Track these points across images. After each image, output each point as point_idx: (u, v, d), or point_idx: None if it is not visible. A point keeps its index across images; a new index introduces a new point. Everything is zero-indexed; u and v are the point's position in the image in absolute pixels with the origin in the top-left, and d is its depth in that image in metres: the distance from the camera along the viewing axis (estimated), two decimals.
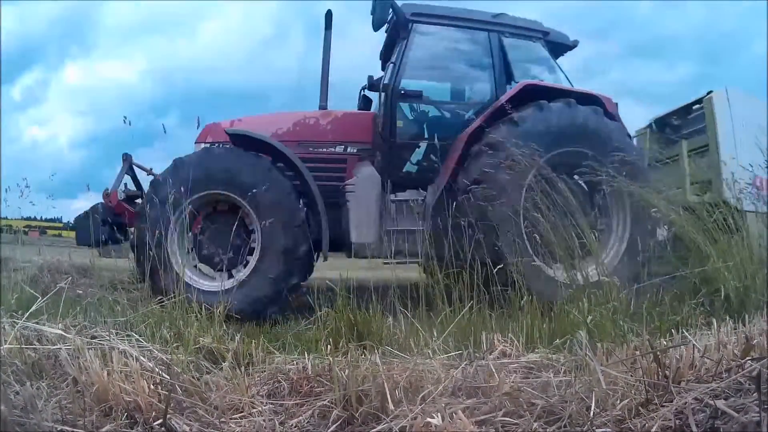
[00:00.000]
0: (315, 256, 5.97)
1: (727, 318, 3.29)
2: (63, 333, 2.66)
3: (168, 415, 2.10)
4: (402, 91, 6.38)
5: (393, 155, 6.28)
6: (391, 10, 6.52)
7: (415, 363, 2.48)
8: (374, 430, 1.99)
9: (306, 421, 2.31)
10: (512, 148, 5.19)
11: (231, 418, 2.29)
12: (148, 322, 3.47)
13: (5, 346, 2.45)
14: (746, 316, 3.39)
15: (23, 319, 2.76)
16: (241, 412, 2.36)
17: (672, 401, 1.93)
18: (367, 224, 5.87)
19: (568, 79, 6.83)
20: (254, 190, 5.37)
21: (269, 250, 5.49)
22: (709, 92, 7.70)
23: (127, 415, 2.16)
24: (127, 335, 2.96)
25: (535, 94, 5.88)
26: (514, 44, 6.79)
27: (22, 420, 1.83)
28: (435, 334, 3.20)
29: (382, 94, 6.47)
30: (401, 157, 6.14)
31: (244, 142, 5.99)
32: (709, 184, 7.28)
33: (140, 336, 2.99)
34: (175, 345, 3.06)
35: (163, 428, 2.07)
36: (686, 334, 2.88)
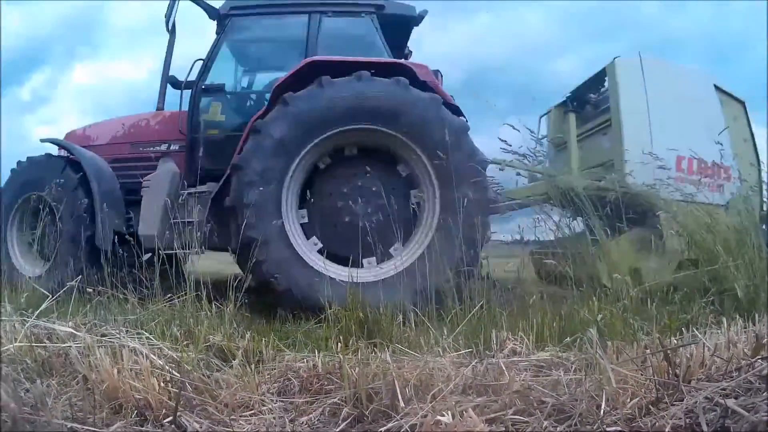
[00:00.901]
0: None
1: (737, 317, 3.27)
2: (73, 331, 2.66)
3: (178, 413, 2.11)
4: (203, 87, 6.47)
5: (194, 149, 6.19)
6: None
7: (425, 361, 2.47)
8: (384, 428, 1.99)
9: (316, 418, 2.32)
10: (274, 132, 5.22)
11: (241, 416, 2.30)
12: (158, 320, 3.47)
13: (16, 344, 2.46)
14: (756, 315, 3.37)
15: (33, 317, 2.77)
16: (251, 409, 2.37)
17: (682, 400, 1.92)
18: (153, 217, 5.89)
19: (388, 52, 6.30)
20: (51, 188, 5.87)
21: (64, 238, 6.02)
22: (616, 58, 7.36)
23: (137, 413, 2.17)
24: (138, 333, 2.97)
25: (328, 69, 5.47)
26: (335, 24, 6.59)
27: (33, 417, 1.83)
28: (445, 332, 3.20)
29: (185, 91, 6.66)
30: (204, 150, 5.94)
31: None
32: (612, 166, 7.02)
33: (150, 334, 3.00)
34: (185, 343, 3.06)
35: (173, 426, 2.08)
36: (696, 332, 2.87)
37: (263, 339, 3.36)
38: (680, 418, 1.77)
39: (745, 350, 2.35)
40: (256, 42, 7.31)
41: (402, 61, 6.16)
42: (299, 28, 6.52)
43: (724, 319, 3.13)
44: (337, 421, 2.24)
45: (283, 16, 6.81)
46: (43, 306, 2.95)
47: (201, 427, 2.10)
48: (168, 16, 6.66)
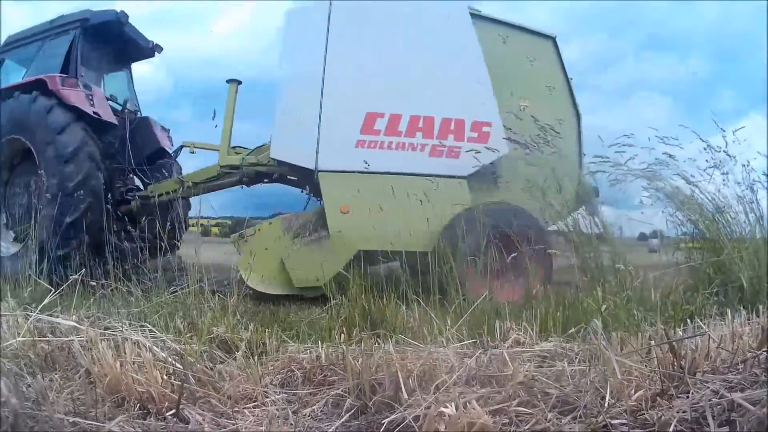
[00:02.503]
0: None
1: (741, 308, 3.25)
2: (76, 324, 2.66)
3: (181, 405, 2.11)
4: None
5: None
6: None
7: (428, 352, 2.47)
8: (387, 419, 1.98)
9: (319, 410, 2.32)
10: None
11: (244, 408, 2.30)
12: (161, 313, 3.48)
13: (19, 339, 2.46)
14: (760, 307, 3.35)
15: (36, 311, 2.77)
16: (255, 401, 2.37)
17: (688, 392, 1.91)
18: None
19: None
20: None
21: None
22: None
23: (139, 406, 2.17)
24: (141, 326, 2.97)
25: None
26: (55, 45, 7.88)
27: (34, 412, 1.83)
28: (449, 322, 3.19)
29: None
30: None
31: None
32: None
33: (154, 326, 3.00)
34: (188, 335, 3.07)
35: (175, 419, 2.08)
36: (701, 324, 2.86)
37: (267, 330, 3.36)
38: (686, 412, 1.75)
39: (751, 342, 2.33)
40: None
41: (37, 78, 7.38)
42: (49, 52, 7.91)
43: (729, 311, 3.11)
44: (340, 412, 2.24)
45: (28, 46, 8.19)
46: (46, 300, 2.95)
47: (204, 420, 2.10)
48: None
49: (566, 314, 3.50)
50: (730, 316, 2.95)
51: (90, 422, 1.89)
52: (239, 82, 7.24)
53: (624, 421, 1.83)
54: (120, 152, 8.31)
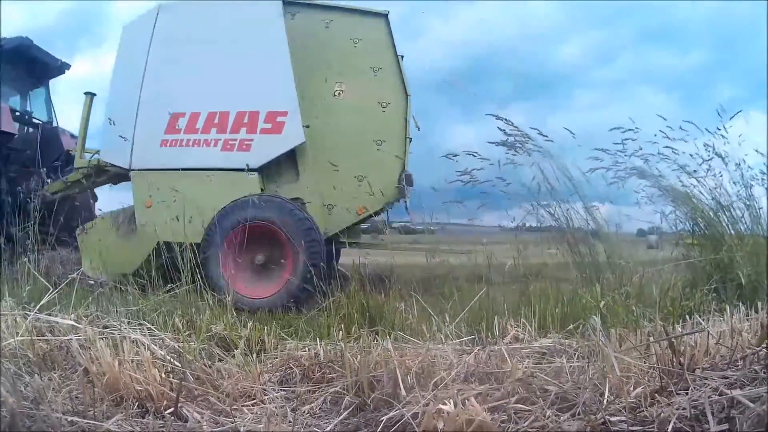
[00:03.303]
0: None
1: (740, 305, 3.25)
2: (74, 324, 2.66)
3: (179, 404, 2.11)
4: None
5: None
6: None
7: (427, 348, 2.47)
8: (386, 416, 1.98)
9: (318, 407, 2.32)
10: None
11: (243, 405, 2.30)
12: (160, 311, 3.47)
13: (18, 338, 2.46)
14: (758, 303, 3.35)
15: (35, 310, 2.76)
16: (253, 399, 2.38)
17: (687, 389, 1.91)
18: None
19: None
20: None
21: None
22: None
23: (138, 405, 2.17)
24: (140, 324, 2.97)
25: None
26: None
27: (32, 412, 1.83)
28: (447, 319, 3.19)
29: None
30: None
31: None
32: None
33: (152, 325, 3.00)
34: (187, 333, 3.06)
35: (174, 417, 2.08)
36: (700, 320, 2.86)
37: (265, 328, 3.36)
38: (685, 409, 1.75)
39: (750, 339, 2.33)
40: None
41: None
42: None
43: (727, 307, 3.11)
44: (338, 409, 2.24)
45: None
46: (45, 299, 2.95)
47: (202, 418, 2.10)
48: None
49: (565, 310, 3.50)
50: (729, 313, 2.95)
51: (88, 421, 1.89)
52: (94, 95, 7.53)
53: (623, 418, 1.82)
54: (31, 158, 9.21)
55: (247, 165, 6.21)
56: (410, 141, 6.53)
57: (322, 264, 5.54)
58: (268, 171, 6.37)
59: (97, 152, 7.25)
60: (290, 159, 6.36)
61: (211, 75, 6.47)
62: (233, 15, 6.61)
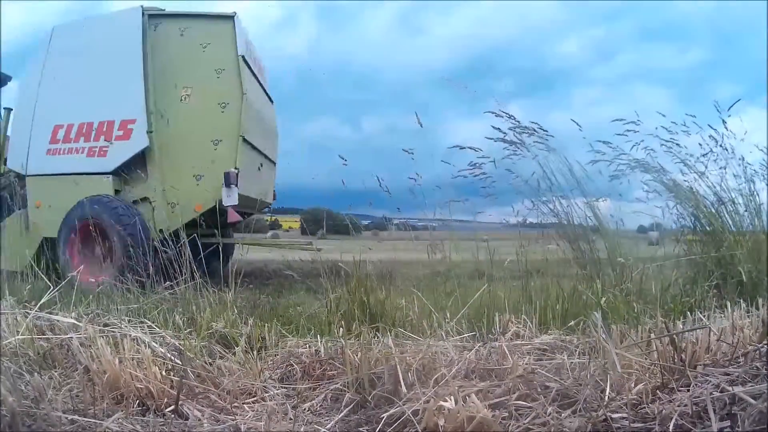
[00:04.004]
0: None
1: (741, 301, 3.24)
2: (75, 322, 2.66)
3: (180, 401, 2.10)
4: None
5: None
6: None
7: (428, 345, 2.46)
8: (387, 413, 1.97)
9: (318, 404, 2.32)
10: None
11: (244, 403, 2.30)
12: (160, 309, 3.47)
13: (18, 337, 2.46)
14: (759, 300, 3.34)
15: (35, 309, 2.76)
16: (254, 396, 2.37)
17: (689, 386, 1.90)
18: None
19: None
20: None
21: None
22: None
23: (138, 402, 2.16)
24: (140, 322, 2.97)
25: None
26: None
27: (32, 411, 1.83)
28: (448, 315, 3.18)
29: None
30: None
31: None
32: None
33: (153, 322, 3.00)
34: (187, 330, 3.06)
35: (174, 414, 2.07)
36: (701, 316, 2.85)
37: (266, 325, 3.36)
38: (686, 405, 1.75)
39: (751, 335, 2.33)
40: None
41: None
42: None
43: (728, 303, 3.10)
44: (339, 406, 2.24)
45: None
46: (45, 298, 2.94)
47: (203, 415, 2.10)
48: None
49: (566, 307, 3.49)
50: (730, 309, 2.94)
51: (89, 419, 1.89)
52: (11, 110, 8.26)
53: (624, 414, 1.82)
54: None
55: (103, 169, 7.13)
56: (242, 139, 7.11)
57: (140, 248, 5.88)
58: (126, 173, 7.16)
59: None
60: (142, 162, 7.09)
61: (82, 88, 7.29)
62: (103, 29, 7.44)
